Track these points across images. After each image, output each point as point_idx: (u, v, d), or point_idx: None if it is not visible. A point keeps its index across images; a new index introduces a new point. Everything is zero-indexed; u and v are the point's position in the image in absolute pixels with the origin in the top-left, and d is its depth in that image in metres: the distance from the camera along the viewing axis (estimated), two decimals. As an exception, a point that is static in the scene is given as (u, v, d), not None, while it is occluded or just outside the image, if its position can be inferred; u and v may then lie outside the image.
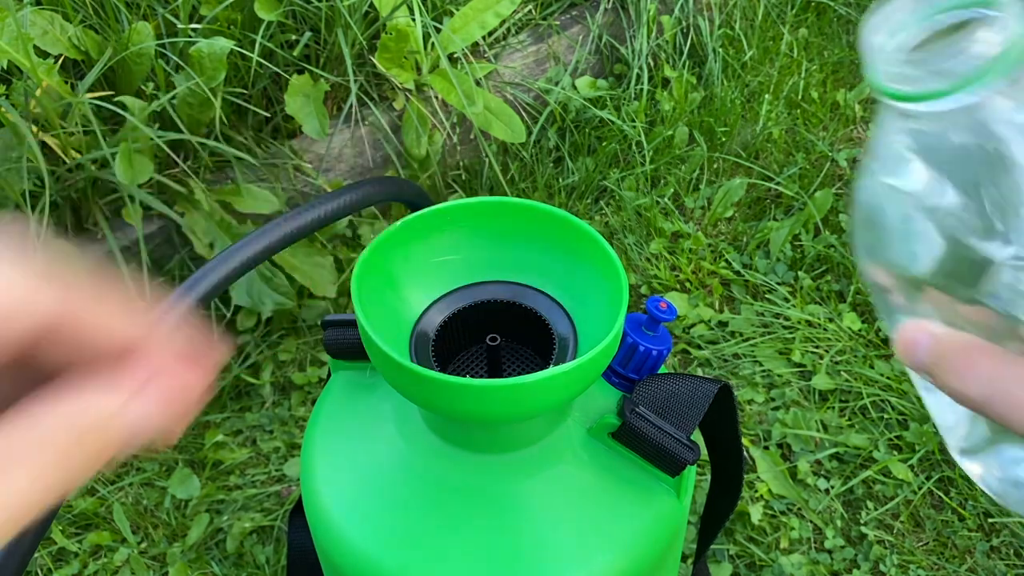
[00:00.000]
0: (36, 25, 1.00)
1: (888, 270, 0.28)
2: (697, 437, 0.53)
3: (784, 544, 0.89)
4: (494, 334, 0.47)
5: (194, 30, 1.04)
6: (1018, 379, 0.23)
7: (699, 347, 1.08)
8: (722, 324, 1.10)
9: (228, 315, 1.05)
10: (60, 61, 0.99)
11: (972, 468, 0.30)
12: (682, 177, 1.28)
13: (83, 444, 0.19)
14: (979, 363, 0.24)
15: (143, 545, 0.91)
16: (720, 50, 1.40)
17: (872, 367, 1.03)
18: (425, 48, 1.14)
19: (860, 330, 1.08)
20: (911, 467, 0.94)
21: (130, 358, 0.21)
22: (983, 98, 0.24)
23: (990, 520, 0.91)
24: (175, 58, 1.03)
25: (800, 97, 1.41)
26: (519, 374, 0.45)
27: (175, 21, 1.04)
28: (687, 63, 1.38)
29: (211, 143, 1.02)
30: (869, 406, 1.00)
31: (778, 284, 1.14)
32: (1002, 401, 0.23)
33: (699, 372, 1.06)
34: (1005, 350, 0.24)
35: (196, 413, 0.23)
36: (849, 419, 0.99)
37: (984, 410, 0.24)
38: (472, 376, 0.43)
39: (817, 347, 1.06)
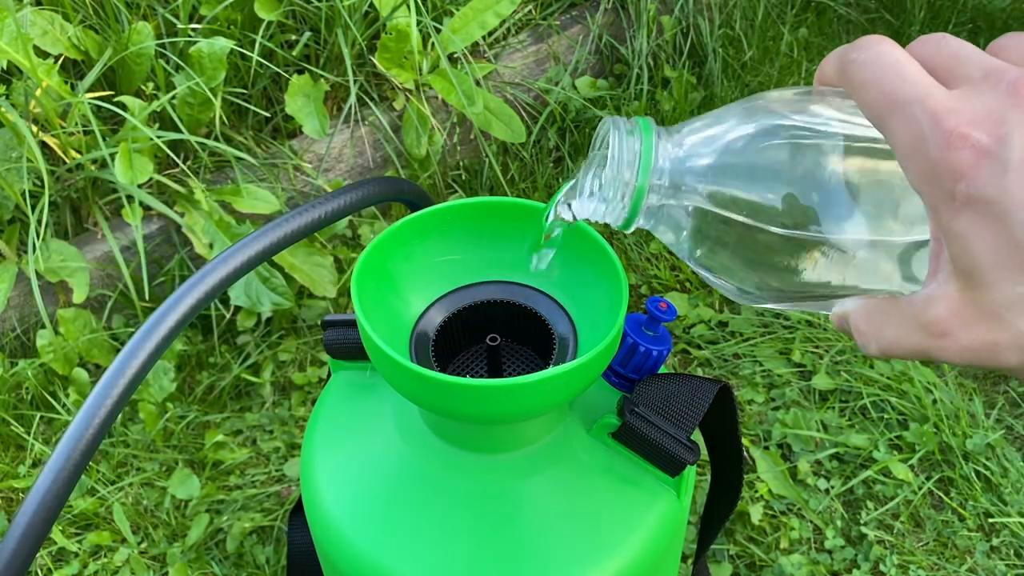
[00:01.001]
0: (36, 25, 1.00)
1: (775, 301, 0.33)
2: (697, 437, 0.53)
3: (784, 544, 0.89)
4: (494, 334, 0.47)
5: (194, 30, 1.04)
6: (887, 324, 0.28)
7: (699, 347, 1.08)
8: (722, 324, 1.10)
9: (228, 315, 1.05)
10: (60, 61, 0.99)
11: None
12: (682, 177, 1.27)
13: None
14: (859, 326, 0.29)
15: (143, 545, 0.91)
16: (720, 50, 1.40)
17: (872, 367, 1.03)
18: (425, 48, 1.14)
19: (860, 330, 1.08)
20: (911, 467, 0.94)
21: None
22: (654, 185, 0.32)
23: (990, 520, 0.91)
24: (175, 58, 1.03)
25: (800, 97, 1.40)
26: (519, 374, 0.45)
27: (175, 21, 1.04)
28: (687, 63, 1.38)
29: (211, 143, 1.02)
30: (869, 406, 1.00)
31: (778, 284, 1.14)
32: (888, 343, 0.28)
33: (699, 372, 1.06)
34: (875, 301, 0.29)
35: None
36: (849, 419, 0.99)
37: (889, 356, 0.28)
38: (472, 376, 0.43)
39: (817, 347, 1.06)
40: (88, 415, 0.43)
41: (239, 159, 1.05)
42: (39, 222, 0.95)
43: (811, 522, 0.91)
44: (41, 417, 1.00)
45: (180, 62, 1.02)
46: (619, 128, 0.32)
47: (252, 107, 1.08)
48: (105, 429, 0.43)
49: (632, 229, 0.34)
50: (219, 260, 0.51)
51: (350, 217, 1.14)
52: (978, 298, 0.24)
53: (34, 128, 0.96)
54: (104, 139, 0.98)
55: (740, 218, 0.30)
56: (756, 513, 0.90)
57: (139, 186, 0.98)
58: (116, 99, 0.99)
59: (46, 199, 0.94)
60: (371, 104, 1.14)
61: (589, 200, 0.35)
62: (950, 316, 0.25)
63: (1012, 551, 0.89)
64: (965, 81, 0.25)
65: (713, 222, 0.31)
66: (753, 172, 0.30)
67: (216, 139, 1.04)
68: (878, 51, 0.26)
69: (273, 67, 1.08)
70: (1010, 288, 0.24)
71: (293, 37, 1.10)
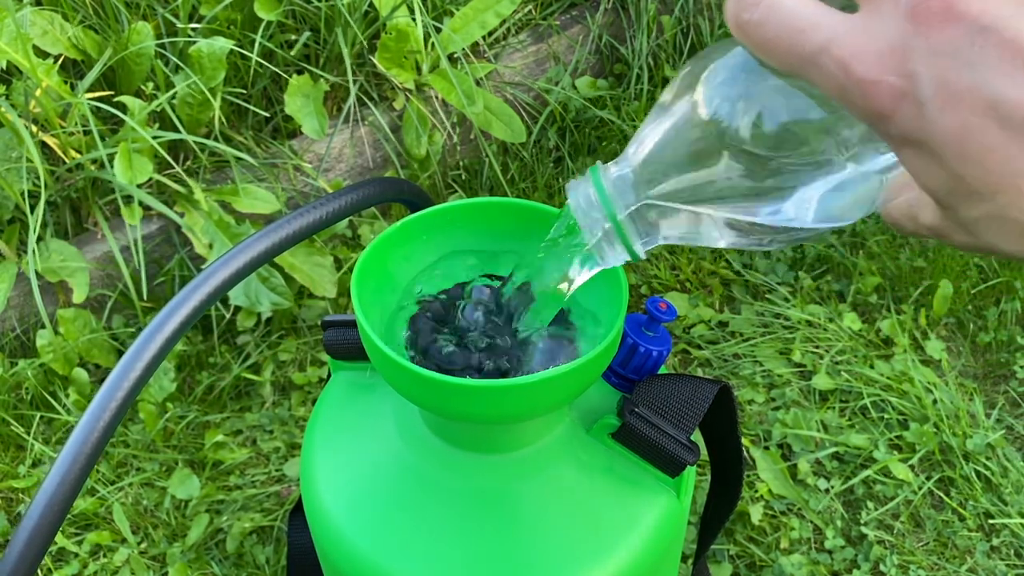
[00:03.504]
0: (36, 25, 1.00)
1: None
2: (697, 437, 0.53)
3: (784, 544, 0.89)
4: (494, 334, 0.47)
5: (194, 30, 1.04)
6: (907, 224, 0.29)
7: (699, 347, 1.08)
8: (722, 324, 1.10)
9: (228, 315, 1.05)
10: (60, 61, 0.99)
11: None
12: (682, 177, 1.27)
13: None
14: (891, 218, 0.30)
15: (143, 545, 0.91)
16: (720, 50, 1.39)
17: (872, 367, 1.03)
18: (425, 48, 1.14)
19: (860, 330, 1.08)
20: (911, 467, 0.94)
21: None
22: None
23: (990, 520, 0.91)
24: (175, 59, 1.03)
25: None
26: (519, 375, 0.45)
27: (175, 21, 1.04)
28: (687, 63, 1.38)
29: (210, 143, 1.02)
30: (869, 406, 1.00)
31: (778, 284, 1.14)
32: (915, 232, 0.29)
33: (699, 372, 1.06)
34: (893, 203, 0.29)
35: None
36: (849, 419, 1.00)
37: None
38: (471, 376, 0.43)
39: (817, 347, 1.06)
40: (93, 418, 0.43)
41: (239, 159, 1.05)
42: (39, 222, 0.95)
43: (811, 522, 0.91)
44: (41, 417, 1.00)
45: (180, 62, 1.02)
46: (575, 190, 0.35)
47: (252, 107, 1.08)
48: (110, 432, 0.43)
49: (644, 255, 0.35)
50: (221, 262, 0.51)
51: (350, 217, 1.14)
52: (950, 215, 0.25)
53: (34, 128, 0.96)
54: (104, 139, 0.98)
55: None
56: (756, 513, 0.90)
57: (139, 186, 0.98)
58: (116, 99, 0.99)
59: (43, 199, 0.94)
60: (371, 104, 1.14)
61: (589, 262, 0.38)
62: (939, 225, 0.26)
63: (1012, 551, 0.89)
64: None
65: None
66: (688, 149, 0.31)
67: (216, 139, 1.04)
68: (768, 4, 0.25)
69: (273, 67, 1.08)
70: (967, 212, 0.24)
71: (293, 37, 1.10)
